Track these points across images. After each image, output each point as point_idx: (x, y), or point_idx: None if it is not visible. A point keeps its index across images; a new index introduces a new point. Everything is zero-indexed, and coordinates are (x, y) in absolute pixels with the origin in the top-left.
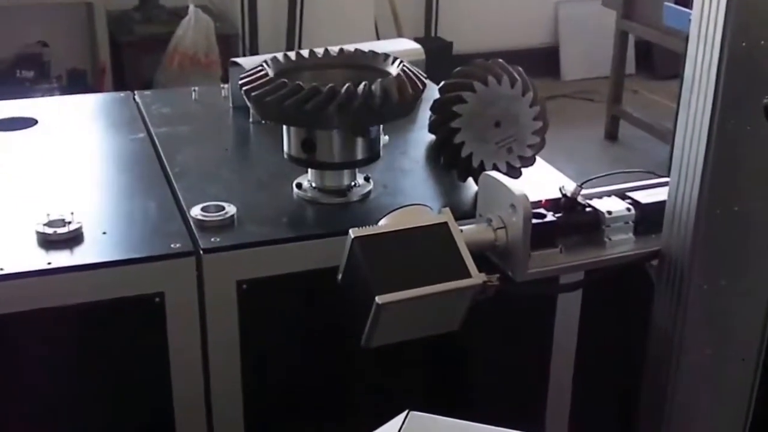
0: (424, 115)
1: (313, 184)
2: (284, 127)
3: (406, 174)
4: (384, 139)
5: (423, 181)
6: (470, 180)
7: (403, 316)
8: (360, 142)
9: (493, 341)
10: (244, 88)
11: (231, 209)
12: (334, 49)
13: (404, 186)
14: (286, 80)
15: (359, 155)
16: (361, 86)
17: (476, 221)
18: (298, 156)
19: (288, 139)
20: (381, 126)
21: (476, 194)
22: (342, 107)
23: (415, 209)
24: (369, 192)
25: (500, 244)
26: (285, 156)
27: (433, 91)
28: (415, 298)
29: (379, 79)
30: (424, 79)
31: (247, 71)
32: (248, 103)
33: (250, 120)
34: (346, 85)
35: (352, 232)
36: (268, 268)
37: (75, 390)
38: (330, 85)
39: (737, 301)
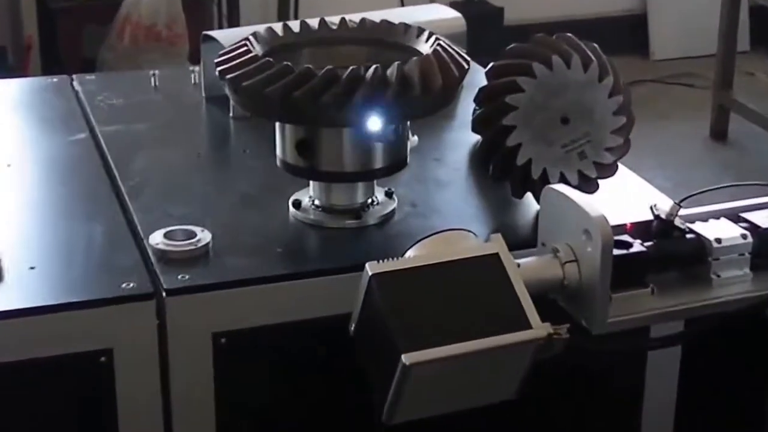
0: (466, 108)
1: (317, 202)
2: (277, 125)
3: (442, 187)
4: (412, 140)
5: (464, 198)
6: (529, 196)
7: (439, 381)
8: (378, 145)
9: (561, 408)
10: (221, 70)
11: (205, 236)
12: (353, 19)
13: (439, 204)
14: (271, 59)
15: (377, 163)
16: (371, 70)
17: (538, 252)
18: (294, 163)
19: (282, 141)
20: (407, 124)
21: (537, 215)
22: (340, 97)
23: (454, 236)
24: (392, 212)
25: (571, 284)
26: (278, 163)
27: (477, 76)
28: (455, 356)
29: (397, 62)
30: (465, 60)
31: (226, 49)
32: (227, 92)
33: (231, 115)
34: (350, 68)
35: (370, 268)
36: (256, 316)
37: None
38: (328, 67)
39: None
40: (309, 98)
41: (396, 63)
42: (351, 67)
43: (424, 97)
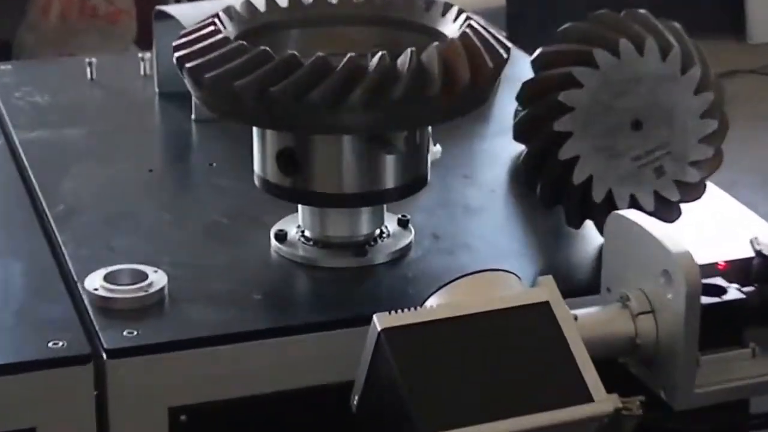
0: (505, 108)
1: (307, 234)
2: (254, 131)
3: (474, 214)
4: (434, 151)
5: (503, 228)
6: (589, 225)
7: None
8: (388, 158)
9: None
10: (180, 57)
11: (158, 279)
12: None
13: (470, 236)
14: (247, 44)
15: (387, 181)
16: (376, 58)
17: (601, 301)
18: (277, 182)
19: (261, 153)
20: (427, 130)
21: (600, 252)
22: (335, 95)
23: (489, 279)
24: (407, 247)
25: (645, 343)
26: (256, 182)
27: (521, 66)
28: None
29: (411, 48)
30: (503, 46)
31: (187, 29)
32: (188, 87)
33: (193, 117)
34: (348, 56)
35: (379, 322)
36: (226, 386)
37: None
38: (318, 54)
39: None
40: (294, 95)
41: (410, 49)
42: (349, 55)
43: (448, 95)
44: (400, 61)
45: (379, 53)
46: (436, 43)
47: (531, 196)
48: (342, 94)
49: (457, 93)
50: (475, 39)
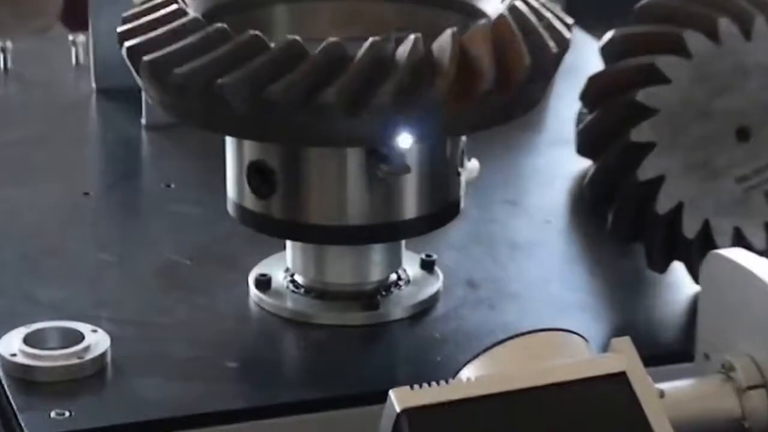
0: (564, 111)
1: (299, 279)
2: (227, 141)
3: (521, 252)
4: (469, 169)
5: (562, 271)
6: (678, 269)
7: None
8: (407, 179)
9: None
10: (128, 44)
11: (98, 341)
12: None
13: (516, 282)
14: (218, 24)
15: (406, 210)
16: (408, 45)
17: (695, 370)
18: (258, 209)
19: (235, 171)
20: (461, 141)
21: (694, 304)
22: (345, 96)
23: (545, 341)
24: (433, 297)
25: (756, 425)
26: (229, 209)
27: (585, 54)
28: None
29: (451, 29)
30: (564, 25)
31: (136, 5)
32: (138, 81)
33: (143, 122)
34: (370, 41)
35: (397, 400)
36: None
37: None
38: (331, 40)
39: None
40: (300, 96)
41: (451, 30)
42: (371, 39)
43: (501, 93)
44: (437, 47)
45: (412, 36)
46: (482, 22)
47: (600, 230)
48: (366, 93)
49: (513, 88)
50: (530, 16)
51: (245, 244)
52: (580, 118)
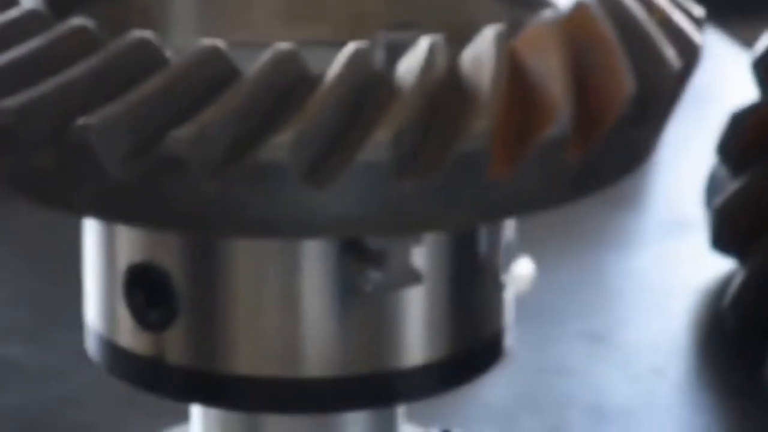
0: (680, 171)
1: None
2: (89, 228)
3: (611, 426)
4: (518, 273)
5: None
6: None
7: None
8: (411, 297)
9: None
10: None
11: None
12: None
13: None
14: (42, 12)
15: (406, 352)
16: (343, 56)
17: None
18: (139, 350)
19: (101, 281)
20: (507, 227)
21: None
22: (224, 135)
23: None
24: None
25: None
26: (92, 352)
27: (720, 72)
28: None
29: (497, 27)
30: (689, 28)
31: None
32: None
33: None
34: (273, 49)
35: None
36: None
37: None
38: (208, 43)
39: None
40: (183, 146)
41: (496, 28)
42: (354, 46)
43: (566, 145)
44: (470, 59)
45: (425, 40)
46: (547, 14)
47: (753, 381)
48: (342, 144)
49: (601, 134)
50: (631, 4)
51: (114, 415)
52: (714, 184)
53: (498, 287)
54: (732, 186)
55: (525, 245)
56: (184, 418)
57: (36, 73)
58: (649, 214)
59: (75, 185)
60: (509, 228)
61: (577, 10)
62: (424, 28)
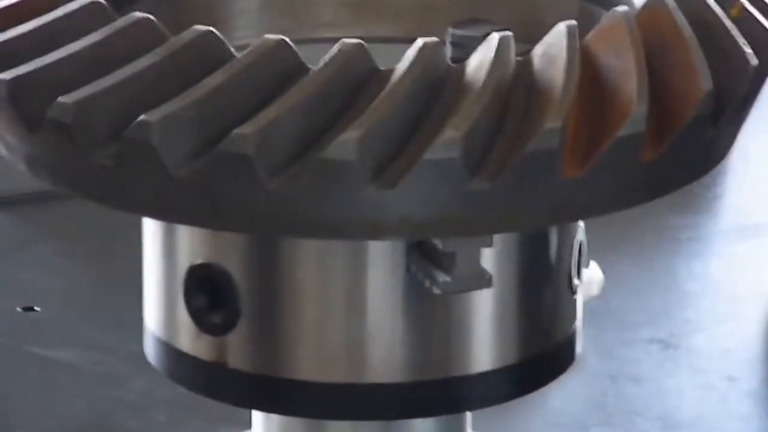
0: (758, 172)
1: None
2: (149, 229)
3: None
4: (591, 280)
5: None
6: None
7: None
8: (476, 301)
9: None
10: None
11: None
12: None
13: None
14: (103, 4)
15: (475, 358)
16: (409, 53)
17: None
18: (200, 354)
19: (161, 285)
20: (578, 229)
21: None
22: (288, 133)
23: None
24: None
25: None
26: (150, 357)
27: None
28: None
29: (567, 23)
30: None
31: None
32: None
33: None
34: (340, 46)
35: None
36: None
37: None
38: (274, 38)
39: None
40: (246, 144)
41: (563, 26)
42: (422, 41)
43: (641, 145)
44: (541, 56)
45: (494, 37)
46: (621, 10)
47: None
48: (409, 142)
49: (677, 134)
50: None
51: (176, 417)
52: None
53: (569, 291)
54: None
55: (594, 250)
56: (244, 424)
57: (96, 67)
58: (723, 218)
59: (135, 184)
60: (581, 231)
61: (652, 6)
62: (493, 23)
